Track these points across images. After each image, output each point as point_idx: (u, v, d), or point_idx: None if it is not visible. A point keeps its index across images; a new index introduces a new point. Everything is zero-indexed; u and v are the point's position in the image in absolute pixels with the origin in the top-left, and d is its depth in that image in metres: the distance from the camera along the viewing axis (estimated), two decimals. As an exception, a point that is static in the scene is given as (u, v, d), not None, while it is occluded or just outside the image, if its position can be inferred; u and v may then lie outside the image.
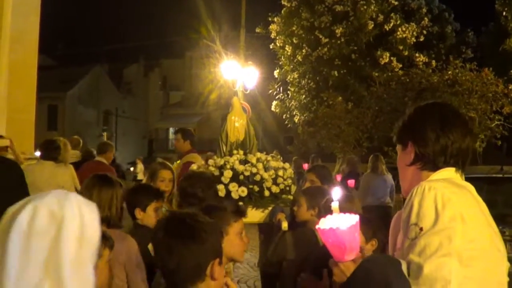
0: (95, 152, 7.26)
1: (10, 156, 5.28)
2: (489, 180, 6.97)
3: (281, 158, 4.84)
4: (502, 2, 17.90)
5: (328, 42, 17.87)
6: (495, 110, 14.07)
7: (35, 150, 7.00)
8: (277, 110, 19.38)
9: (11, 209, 1.11)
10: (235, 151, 4.47)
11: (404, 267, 1.54)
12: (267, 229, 4.13)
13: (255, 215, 4.06)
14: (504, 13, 17.85)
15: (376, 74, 17.16)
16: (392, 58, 17.75)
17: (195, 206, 2.78)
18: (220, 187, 4.06)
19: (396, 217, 1.83)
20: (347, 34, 17.88)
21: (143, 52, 46.68)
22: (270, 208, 4.06)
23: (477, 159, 13.78)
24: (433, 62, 17.77)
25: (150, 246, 2.78)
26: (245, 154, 4.44)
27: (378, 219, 2.70)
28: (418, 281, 1.50)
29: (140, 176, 20.27)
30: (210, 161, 4.37)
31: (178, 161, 5.79)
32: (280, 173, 4.30)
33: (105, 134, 34.21)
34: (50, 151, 5.41)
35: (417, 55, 18.49)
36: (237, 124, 4.62)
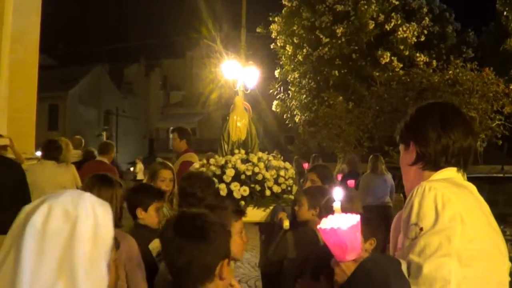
0: (95, 152, 7.26)
1: (10, 155, 5.28)
2: (490, 180, 6.98)
3: (282, 158, 4.85)
4: (502, 2, 17.90)
5: (329, 41, 17.87)
6: (496, 110, 14.09)
7: (35, 150, 7.00)
8: (277, 110, 19.39)
9: (25, 209, 1.11)
10: (236, 151, 4.47)
11: (404, 267, 1.55)
12: (267, 229, 4.14)
13: (256, 214, 4.07)
14: (504, 13, 17.85)
15: (377, 74, 17.16)
16: (392, 58, 17.76)
17: (195, 206, 2.79)
18: (222, 186, 4.07)
19: (397, 217, 1.83)
20: (347, 34, 17.88)
21: (144, 51, 46.73)
22: (271, 208, 4.07)
23: (478, 159, 13.81)
24: (434, 62, 17.80)
25: (151, 246, 2.79)
26: (246, 153, 4.45)
27: (377, 219, 2.71)
28: (417, 281, 1.51)
29: (140, 176, 20.29)
30: (212, 160, 4.38)
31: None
32: (282, 173, 4.31)
33: (104, 133, 34.21)
34: (52, 151, 5.42)
35: (417, 55, 18.50)
36: (239, 123, 4.63)
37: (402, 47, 18.33)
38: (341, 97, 16.93)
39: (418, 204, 1.59)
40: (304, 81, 18.84)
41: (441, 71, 15.18)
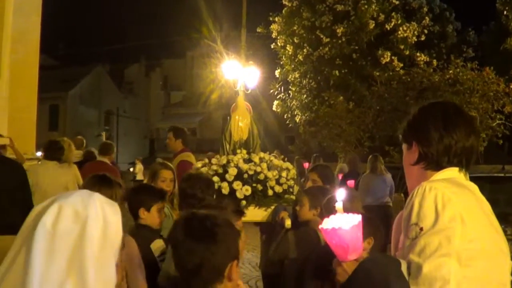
0: (96, 153, 7.26)
1: (10, 155, 5.29)
2: (491, 179, 6.99)
3: (286, 158, 4.84)
4: (503, 1, 17.90)
5: (329, 41, 17.88)
6: (496, 109, 14.10)
7: (36, 150, 7.00)
8: (278, 110, 19.39)
9: (36, 209, 1.12)
10: (238, 150, 4.48)
11: (404, 267, 1.55)
12: (268, 229, 4.15)
13: (257, 214, 4.07)
14: (505, 12, 17.85)
15: (377, 73, 17.16)
16: (393, 57, 17.76)
17: (195, 207, 2.79)
18: (224, 184, 4.07)
19: (398, 217, 1.83)
20: (348, 34, 17.88)
21: (144, 52, 46.85)
22: (272, 207, 4.07)
23: (478, 159, 13.78)
24: (434, 62, 17.80)
25: (153, 246, 2.79)
26: (248, 153, 4.45)
27: (376, 218, 2.71)
28: (417, 280, 1.51)
29: (139, 176, 20.27)
30: (214, 160, 4.38)
31: None
32: (284, 173, 4.32)
33: (103, 133, 34.18)
34: (54, 152, 5.42)
35: (418, 54, 18.50)
36: (241, 123, 4.64)
37: (402, 47, 18.33)
38: (341, 97, 16.93)
39: (419, 204, 1.60)
40: (304, 81, 18.84)
41: (442, 70, 15.20)
